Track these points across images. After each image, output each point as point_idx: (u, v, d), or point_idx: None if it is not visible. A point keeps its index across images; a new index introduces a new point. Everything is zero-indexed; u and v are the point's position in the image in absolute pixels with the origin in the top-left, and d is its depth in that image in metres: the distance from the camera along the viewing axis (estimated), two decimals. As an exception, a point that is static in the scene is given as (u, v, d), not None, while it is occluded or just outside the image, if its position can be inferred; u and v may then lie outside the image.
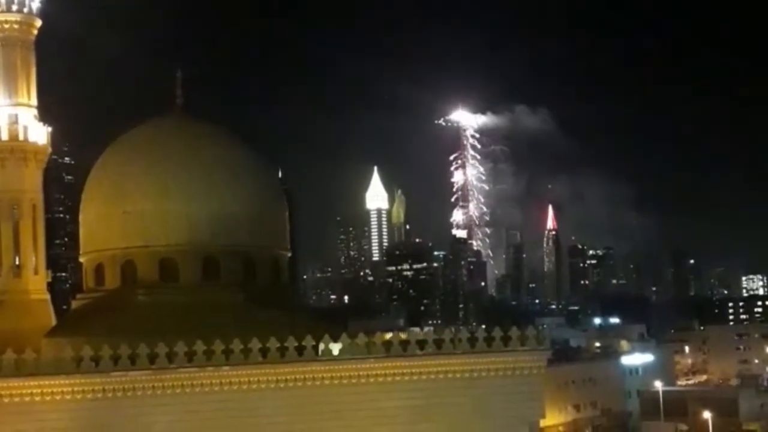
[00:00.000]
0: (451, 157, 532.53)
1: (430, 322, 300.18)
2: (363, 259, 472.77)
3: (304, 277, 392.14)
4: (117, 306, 61.78)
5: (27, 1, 74.13)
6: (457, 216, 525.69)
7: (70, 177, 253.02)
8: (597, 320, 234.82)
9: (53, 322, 71.12)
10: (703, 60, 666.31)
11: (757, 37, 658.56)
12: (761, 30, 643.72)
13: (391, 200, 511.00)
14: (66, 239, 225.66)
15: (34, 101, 74.61)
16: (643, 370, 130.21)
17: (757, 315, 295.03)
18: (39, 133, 74.17)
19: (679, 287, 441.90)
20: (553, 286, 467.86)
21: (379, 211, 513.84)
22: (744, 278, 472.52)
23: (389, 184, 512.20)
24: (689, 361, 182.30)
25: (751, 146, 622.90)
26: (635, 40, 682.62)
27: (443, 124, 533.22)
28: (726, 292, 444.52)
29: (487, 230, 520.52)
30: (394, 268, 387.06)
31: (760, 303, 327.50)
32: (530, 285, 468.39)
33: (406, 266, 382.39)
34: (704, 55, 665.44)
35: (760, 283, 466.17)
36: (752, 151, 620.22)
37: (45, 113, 75.54)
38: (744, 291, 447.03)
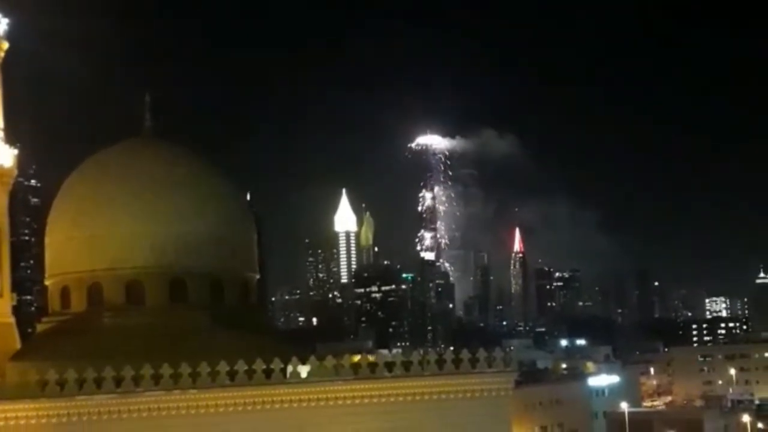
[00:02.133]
0: (421, 184, 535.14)
1: (398, 344, 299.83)
2: (332, 281, 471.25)
3: (273, 299, 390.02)
4: (83, 329, 61.35)
5: (-7, 23, 73.79)
6: (426, 238, 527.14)
7: (36, 199, 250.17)
8: (564, 342, 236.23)
9: (18, 345, 70.16)
10: (669, 86, 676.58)
11: (728, 62, 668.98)
12: (731, 56, 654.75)
13: (360, 223, 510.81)
14: (31, 262, 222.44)
15: (0, 123, 74.09)
16: (609, 391, 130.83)
17: (721, 337, 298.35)
18: (5, 156, 73.50)
19: (644, 309, 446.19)
20: (520, 308, 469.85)
21: (347, 234, 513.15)
22: (707, 300, 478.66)
23: (358, 207, 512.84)
24: (654, 382, 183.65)
25: (714, 171, 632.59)
26: (601, 66, 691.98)
27: (412, 148, 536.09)
28: (690, 314, 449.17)
29: (455, 252, 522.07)
30: (362, 290, 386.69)
31: (723, 325, 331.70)
32: (498, 307, 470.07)
33: (374, 288, 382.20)
34: (670, 82, 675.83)
35: (723, 305, 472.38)
36: (715, 176, 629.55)
37: (11, 135, 75.02)
38: (707, 313, 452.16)
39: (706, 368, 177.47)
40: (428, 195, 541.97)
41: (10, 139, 74.64)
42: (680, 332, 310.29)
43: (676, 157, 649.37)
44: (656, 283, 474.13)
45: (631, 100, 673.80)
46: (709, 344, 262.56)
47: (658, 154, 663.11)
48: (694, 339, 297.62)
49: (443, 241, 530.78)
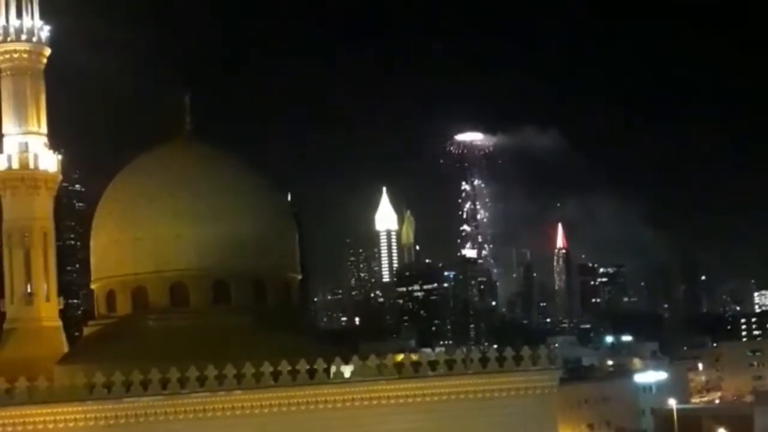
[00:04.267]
0: (462, 181, 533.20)
1: (441, 342, 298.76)
2: (373, 280, 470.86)
3: (315, 299, 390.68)
4: (128, 332, 61.97)
5: (36, 30, 74.91)
6: (467, 236, 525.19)
7: (81, 204, 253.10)
8: (609, 338, 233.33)
9: (65, 349, 71.29)
10: (716, 76, 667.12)
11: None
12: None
13: (401, 221, 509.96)
14: (77, 266, 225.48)
15: (44, 129, 75.18)
16: (656, 388, 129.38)
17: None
18: (49, 161, 74.68)
19: (691, 304, 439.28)
20: (564, 305, 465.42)
21: (388, 232, 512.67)
22: (756, 294, 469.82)
23: (398, 205, 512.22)
24: (703, 378, 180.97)
25: (760, 161, 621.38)
26: (643, 59, 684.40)
27: (453, 146, 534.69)
28: (738, 308, 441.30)
29: (497, 250, 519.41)
30: (404, 289, 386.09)
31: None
32: (541, 304, 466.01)
33: (416, 287, 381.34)
34: (716, 72, 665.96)
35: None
36: (762, 165, 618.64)
37: (55, 141, 76.09)
38: (756, 307, 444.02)
39: (755, 363, 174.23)
40: (470, 192, 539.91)
41: (54, 145, 75.78)
42: (729, 327, 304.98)
43: (722, 149, 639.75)
44: (703, 277, 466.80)
45: (673, 91, 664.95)
46: (758, 338, 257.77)
47: (703, 145, 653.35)
48: (743, 333, 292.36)
49: (485, 238, 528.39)
